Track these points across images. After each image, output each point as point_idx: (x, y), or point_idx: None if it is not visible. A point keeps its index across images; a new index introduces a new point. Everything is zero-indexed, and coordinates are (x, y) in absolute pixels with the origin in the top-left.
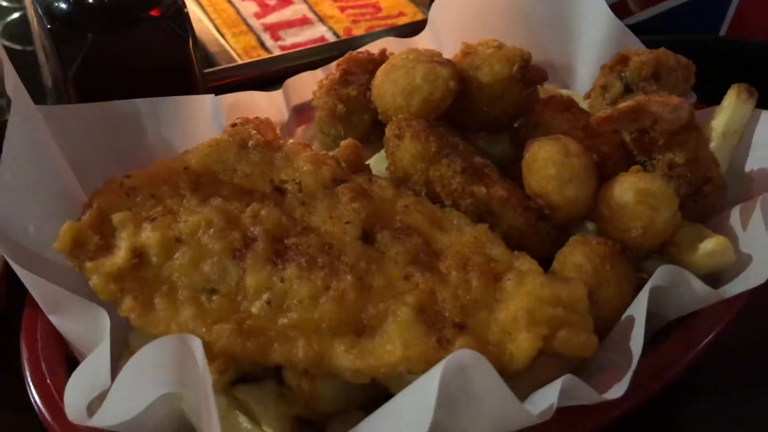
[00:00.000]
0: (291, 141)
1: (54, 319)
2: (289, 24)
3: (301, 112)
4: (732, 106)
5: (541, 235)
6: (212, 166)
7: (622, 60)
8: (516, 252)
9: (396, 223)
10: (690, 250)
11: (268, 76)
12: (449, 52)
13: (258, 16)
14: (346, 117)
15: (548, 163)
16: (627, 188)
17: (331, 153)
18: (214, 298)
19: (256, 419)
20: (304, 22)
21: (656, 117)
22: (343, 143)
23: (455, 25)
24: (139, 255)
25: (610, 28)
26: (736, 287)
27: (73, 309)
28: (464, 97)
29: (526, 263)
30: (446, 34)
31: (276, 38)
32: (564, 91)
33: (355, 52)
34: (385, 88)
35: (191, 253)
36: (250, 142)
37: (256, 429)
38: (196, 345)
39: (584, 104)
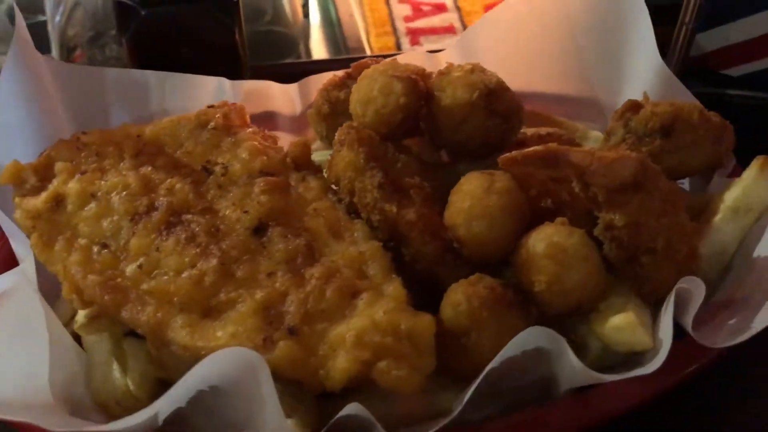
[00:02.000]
0: (251, 130)
1: (13, 245)
2: (433, 30)
3: None
4: (751, 180)
5: (449, 267)
6: (162, 139)
7: (632, 107)
8: (393, 276)
9: (297, 223)
10: (603, 321)
11: None
12: None
13: (408, 19)
14: (329, 117)
15: (466, 196)
16: (540, 239)
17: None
18: (104, 252)
19: (126, 371)
20: (448, 30)
21: (581, 169)
22: (293, 140)
23: (497, 46)
24: (58, 201)
25: (658, 75)
26: (625, 374)
27: (18, 238)
28: (432, 118)
29: (391, 288)
30: (483, 55)
31: (415, 43)
32: (596, 133)
33: (370, 59)
34: (353, 95)
35: (98, 208)
36: (210, 124)
37: (122, 379)
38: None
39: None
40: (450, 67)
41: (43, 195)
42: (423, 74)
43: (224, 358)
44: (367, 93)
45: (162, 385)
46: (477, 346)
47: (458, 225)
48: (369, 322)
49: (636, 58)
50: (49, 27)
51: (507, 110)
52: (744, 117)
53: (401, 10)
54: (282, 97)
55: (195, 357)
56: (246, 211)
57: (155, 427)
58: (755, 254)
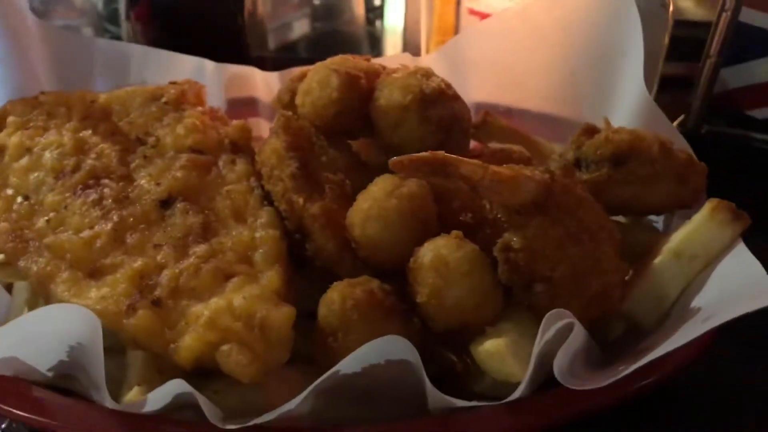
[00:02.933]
0: (200, 109)
1: None
2: None
3: None
4: (698, 224)
5: (348, 268)
6: (113, 107)
7: (588, 131)
8: (276, 266)
9: (205, 202)
10: (479, 345)
11: None
12: (472, 84)
13: None
14: (288, 107)
15: (368, 197)
16: (429, 249)
17: None
18: (24, 203)
19: None
20: None
21: (471, 182)
22: (234, 122)
23: (488, 57)
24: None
25: (643, 108)
26: (475, 403)
27: None
28: (372, 118)
29: (267, 276)
30: (472, 64)
31: None
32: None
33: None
34: (301, 85)
35: (30, 162)
36: (162, 99)
37: None
38: None
39: None
40: (397, 69)
41: None
42: (372, 73)
43: (63, 313)
44: (309, 84)
45: None
46: (342, 348)
47: (355, 225)
48: (226, 305)
49: (625, 85)
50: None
51: (445, 119)
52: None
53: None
54: (263, 84)
55: None
56: (158, 184)
57: (45, 378)
58: (692, 305)
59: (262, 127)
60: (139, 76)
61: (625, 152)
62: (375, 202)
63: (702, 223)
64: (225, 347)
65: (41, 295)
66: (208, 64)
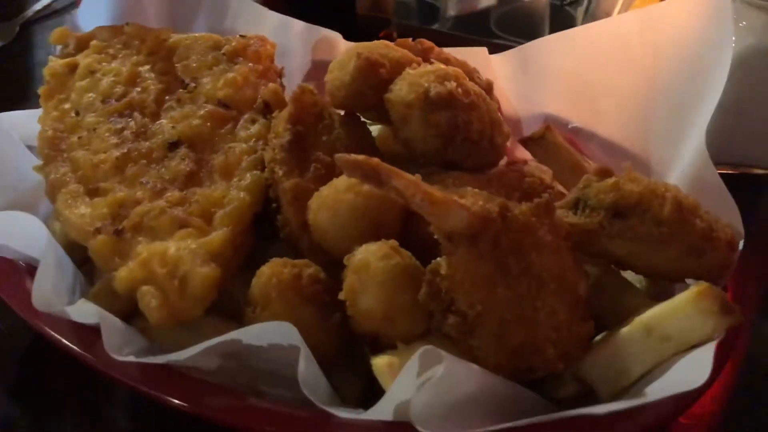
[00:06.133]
0: (251, 65)
1: None
2: None
3: None
4: (678, 305)
5: (305, 246)
6: (178, 49)
7: (600, 172)
8: (228, 228)
9: (207, 153)
10: (376, 357)
11: None
12: (545, 94)
13: None
14: None
15: (331, 186)
16: (360, 251)
17: None
18: (73, 117)
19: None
20: None
21: (404, 198)
22: (270, 85)
23: (564, 67)
24: (72, 68)
25: (698, 161)
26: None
27: None
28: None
29: (213, 236)
30: (546, 71)
31: None
32: None
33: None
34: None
35: (89, 84)
36: (224, 48)
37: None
38: None
39: None
40: (422, 64)
41: (67, 60)
42: (401, 63)
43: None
44: (335, 61)
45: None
46: (255, 320)
47: (311, 209)
48: (162, 251)
49: (693, 132)
50: None
51: (447, 126)
52: None
53: None
54: (344, 50)
55: (60, 220)
56: (174, 127)
57: None
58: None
59: None
60: (231, 23)
61: (630, 205)
62: (333, 192)
63: (681, 306)
64: (145, 287)
65: (51, 200)
66: (296, 24)
